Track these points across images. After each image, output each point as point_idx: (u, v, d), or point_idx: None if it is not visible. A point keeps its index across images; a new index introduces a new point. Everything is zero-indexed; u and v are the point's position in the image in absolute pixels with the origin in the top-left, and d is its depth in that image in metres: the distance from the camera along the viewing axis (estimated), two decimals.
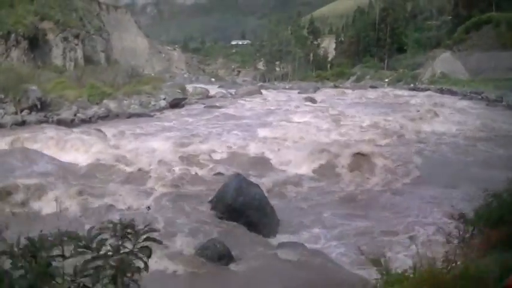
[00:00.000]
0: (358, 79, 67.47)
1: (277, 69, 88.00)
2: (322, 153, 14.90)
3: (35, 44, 38.51)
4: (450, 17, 67.85)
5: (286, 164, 14.25)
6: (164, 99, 31.16)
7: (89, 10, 68.58)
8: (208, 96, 41.09)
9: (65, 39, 42.19)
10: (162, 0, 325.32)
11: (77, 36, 43.53)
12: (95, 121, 24.08)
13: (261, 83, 73.48)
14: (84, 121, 23.62)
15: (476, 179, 12.79)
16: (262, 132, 19.36)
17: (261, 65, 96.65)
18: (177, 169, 12.77)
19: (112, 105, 26.40)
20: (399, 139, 19.44)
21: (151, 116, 26.29)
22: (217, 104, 33.53)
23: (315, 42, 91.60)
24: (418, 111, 27.77)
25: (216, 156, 14.61)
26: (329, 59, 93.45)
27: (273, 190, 11.54)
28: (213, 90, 51.77)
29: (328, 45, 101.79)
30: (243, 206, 9.03)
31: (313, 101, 35.82)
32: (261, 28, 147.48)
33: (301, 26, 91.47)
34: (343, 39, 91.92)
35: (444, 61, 53.77)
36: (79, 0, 64.80)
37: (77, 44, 43.68)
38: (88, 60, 51.99)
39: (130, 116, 25.64)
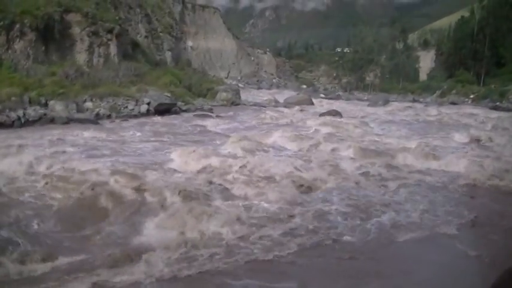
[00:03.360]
0: (443, 94, 59.37)
1: (368, 78, 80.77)
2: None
3: (51, 36, 35.37)
4: None
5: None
6: (148, 103, 26.55)
7: (160, 7, 66.03)
8: (234, 104, 36.21)
9: (94, 33, 38.67)
10: (282, 5, 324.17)
11: (110, 31, 39.86)
12: (18, 126, 19.87)
13: (339, 93, 67.78)
14: (2, 125, 19.45)
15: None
16: (170, 162, 13.67)
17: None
18: None
19: (58, 107, 22.08)
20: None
21: (97, 124, 21.62)
22: (216, 115, 28.59)
23: (406, 53, 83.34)
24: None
25: None
26: (428, 71, 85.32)
27: None
28: (266, 96, 47.45)
29: (432, 57, 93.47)
30: None
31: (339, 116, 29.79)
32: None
33: (392, 35, 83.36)
34: (444, 51, 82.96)
35: None
36: None
37: (110, 39, 40.01)
38: (142, 59, 48.94)
39: (68, 121, 21.14)
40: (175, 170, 12.30)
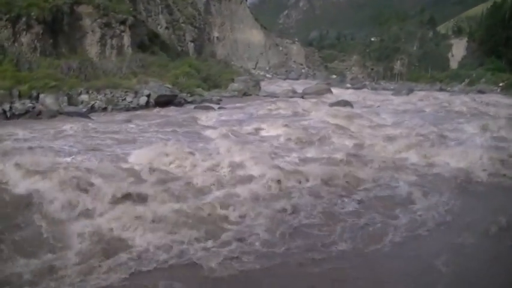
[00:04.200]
0: (472, 82, 57.15)
1: (395, 67, 78.61)
2: None
3: (59, 29, 34.85)
4: None
5: None
6: (148, 95, 25.70)
7: None
8: (245, 94, 35.34)
9: (106, 25, 38.02)
10: None
11: (123, 22, 39.14)
12: (4, 119, 19.23)
13: (365, 83, 66.02)
14: None
15: None
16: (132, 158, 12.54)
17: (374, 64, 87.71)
18: None
19: (48, 100, 21.39)
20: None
21: (86, 117, 20.80)
22: (219, 106, 27.81)
23: (434, 41, 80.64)
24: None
25: None
26: (459, 59, 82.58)
27: None
28: (286, 87, 46.53)
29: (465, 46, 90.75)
30: None
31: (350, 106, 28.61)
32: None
33: (419, 22, 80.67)
34: (476, 38, 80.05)
35: None
36: None
37: (123, 31, 39.30)
38: (161, 50, 48.32)
39: (56, 115, 20.39)
40: (130, 166, 11.27)
